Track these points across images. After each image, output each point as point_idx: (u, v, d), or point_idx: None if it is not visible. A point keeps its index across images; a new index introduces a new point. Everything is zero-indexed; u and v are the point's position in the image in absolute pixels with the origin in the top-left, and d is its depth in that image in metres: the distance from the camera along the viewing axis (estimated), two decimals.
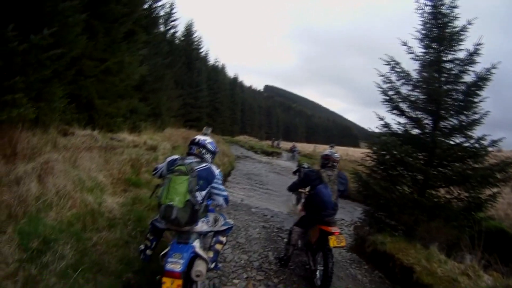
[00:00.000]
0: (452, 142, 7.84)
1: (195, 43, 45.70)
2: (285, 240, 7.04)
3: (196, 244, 3.57)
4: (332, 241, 4.99)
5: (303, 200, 7.82)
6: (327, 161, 5.63)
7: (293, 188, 6.51)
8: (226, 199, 3.94)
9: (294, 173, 13.09)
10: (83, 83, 9.46)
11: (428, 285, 5.40)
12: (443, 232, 6.67)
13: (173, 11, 31.97)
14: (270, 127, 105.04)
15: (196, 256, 3.50)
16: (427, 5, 7.97)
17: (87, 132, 8.79)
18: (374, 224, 7.93)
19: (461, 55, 7.78)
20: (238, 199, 11.62)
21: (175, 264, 3.17)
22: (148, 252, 3.99)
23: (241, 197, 12.26)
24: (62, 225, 4.41)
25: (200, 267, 3.39)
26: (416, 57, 8.30)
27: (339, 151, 30.60)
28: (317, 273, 5.31)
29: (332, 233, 5.06)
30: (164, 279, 3.11)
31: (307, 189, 6.09)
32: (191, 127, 31.94)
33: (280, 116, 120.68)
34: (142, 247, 4.08)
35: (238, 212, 9.50)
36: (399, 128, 8.51)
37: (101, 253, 4.33)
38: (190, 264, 3.38)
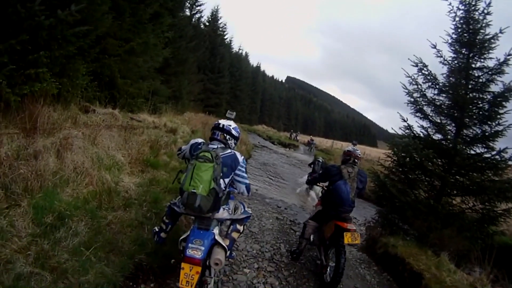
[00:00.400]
0: (472, 152, 7.68)
1: (220, 29, 45.85)
2: (298, 233, 7.00)
3: (216, 231, 3.50)
4: (347, 238, 4.92)
5: (317, 190, 7.87)
6: (348, 157, 5.56)
7: (312, 182, 6.46)
8: (247, 187, 3.83)
9: (310, 165, 13.52)
10: (106, 62, 9.48)
11: None
12: (455, 241, 6.56)
13: None
14: (289, 119, 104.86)
15: (215, 243, 3.42)
16: (459, 9, 7.71)
17: (108, 111, 8.83)
18: (387, 226, 7.84)
19: (490, 63, 7.55)
20: (253, 188, 11.52)
21: (196, 251, 3.09)
22: (163, 235, 3.96)
23: (256, 186, 12.22)
24: (77, 201, 4.42)
25: (219, 255, 3.30)
26: (444, 61, 8.08)
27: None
28: (328, 269, 5.24)
29: (348, 230, 4.98)
30: (183, 265, 3.04)
31: (326, 184, 6.03)
32: (210, 113, 32.08)
33: (300, 109, 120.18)
34: (156, 229, 4.04)
35: (252, 201, 9.45)
36: (421, 132, 8.35)
37: (115, 232, 4.32)
38: (209, 251, 3.31)
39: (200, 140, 3.84)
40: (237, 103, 55.63)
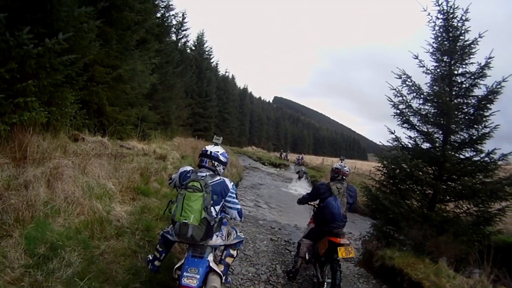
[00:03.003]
0: (462, 156, 7.79)
1: (206, 53, 46.26)
2: (293, 253, 6.97)
3: (210, 258, 3.50)
4: (341, 252, 4.97)
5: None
6: (337, 174, 5.69)
7: (303, 201, 6.44)
8: (239, 213, 3.83)
9: (297, 173, 14.81)
10: (94, 89, 9.48)
11: None
12: (452, 246, 6.58)
13: (185, 20, 32.36)
14: (278, 138, 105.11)
15: (210, 270, 3.42)
16: (438, 18, 7.94)
17: (97, 139, 8.80)
18: (382, 239, 7.82)
19: (472, 68, 7.74)
20: (245, 211, 11.54)
21: (191, 279, 3.11)
22: (157, 263, 3.94)
23: (248, 209, 12.22)
24: (69, 231, 4.37)
25: (215, 282, 3.32)
26: (427, 71, 8.26)
27: (347, 164, 31.70)
28: (325, 285, 5.24)
29: (341, 244, 5.03)
30: None
31: (317, 202, 6.07)
32: (199, 137, 32.15)
33: (289, 128, 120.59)
34: (150, 257, 4.02)
35: (246, 224, 9.41)
36: (409, 142, 8.45)
37: (108, 262, 4.27)
38: (204, 279, 3.31)
39: (188, 168, 3.84)
40: (226, 126, 55.91)
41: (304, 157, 45.79)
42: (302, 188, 22.12)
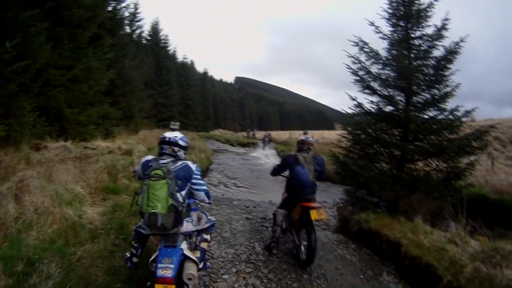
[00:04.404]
0: (426, 116, 8.01)
1: (162, 41, 45.62)
2: (270, 229, 7.07)
3: (184, 246, 3.53)
4: (313, 214, 5.26)
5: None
6: (302, 145, 6.07)
7: (274, 173, 6.60)
8: (207, 194, 3.88)
9: (263, 142, 15.26)
10: (51, 94, 9.29)
11: (417, 257, 5.44)
12: (425, 204, 6.84)
13: (138, 11, 31.78)
14: (244, 118, 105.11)
15: (185, 258, 3.45)
16: None
17: (60, 144, 8.68)
18: (356, 204, 8.01)
19: (429, 31, 7.94)
20: (219, 193, 11.64)
21: (166, 270, 3.12)
22: (135, 259, 3.91)
23: (221, 191, 12.30)
24: (44, 243, 4.35)
25: (191, 269, 3.34)
26: (384, 36, 8.40)
27: (315, 135, 32.81)
28: (302, 247, 5.55)
29: (313, 208, 5.34)
30: (157, 286, 3.07)
31: (287, 173, 6.30)
32: (165, 127, 31.86)
33: (253, 107, 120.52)
34: (128, 254, 3.98)
35: (220, 206, 9.44)
36: (372, 107, 8.61)
37: (87, 266, 4.27)
38: (180, 267, 3.33)
39: (150, 157, 3.79)
40: (190, 112, 55.46)
41: (272, 134, 46.05)
42: (270, 160, 22.46)
